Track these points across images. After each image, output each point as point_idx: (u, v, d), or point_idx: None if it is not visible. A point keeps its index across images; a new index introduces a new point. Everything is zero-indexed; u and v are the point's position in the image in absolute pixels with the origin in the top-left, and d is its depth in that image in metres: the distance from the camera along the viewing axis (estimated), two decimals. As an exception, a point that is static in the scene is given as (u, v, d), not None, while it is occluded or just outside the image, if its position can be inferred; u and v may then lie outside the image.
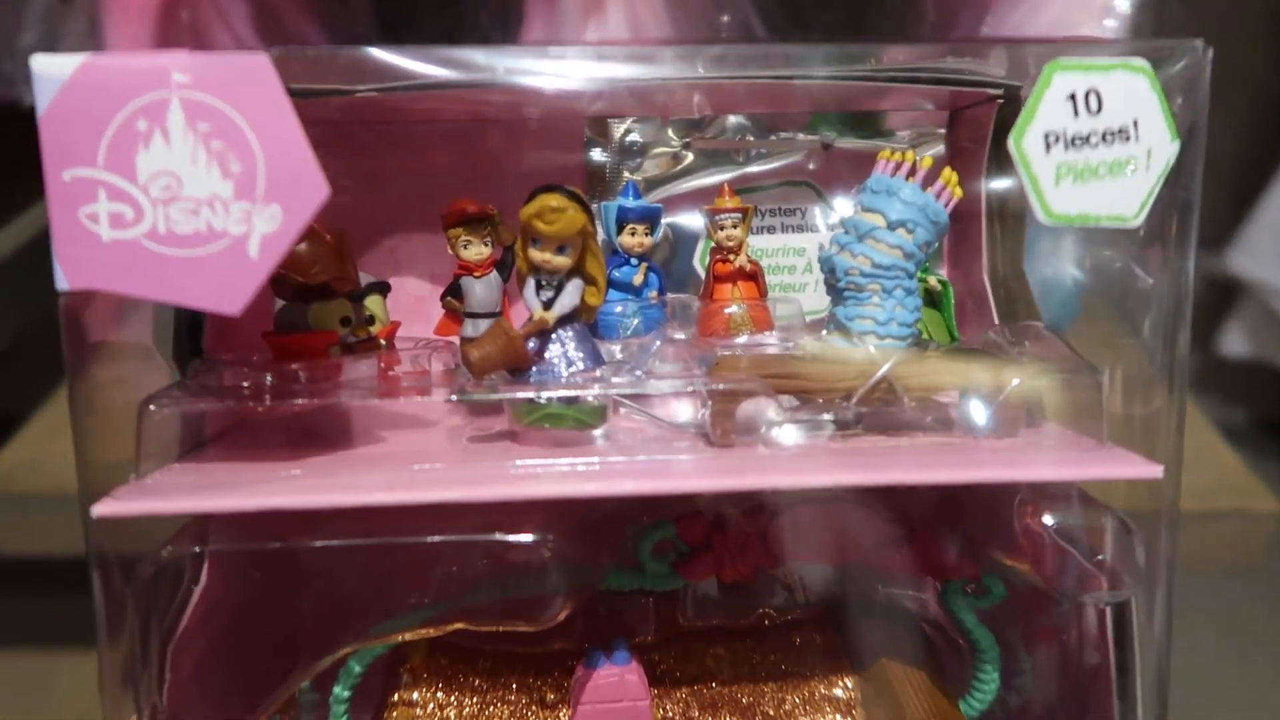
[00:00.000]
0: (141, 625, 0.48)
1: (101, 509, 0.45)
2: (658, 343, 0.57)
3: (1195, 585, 0.73)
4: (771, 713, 0.62)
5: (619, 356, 0.59)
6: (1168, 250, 0.50)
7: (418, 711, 0.59)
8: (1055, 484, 0.53)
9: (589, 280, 0.54)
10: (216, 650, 0.55)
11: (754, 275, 0.66)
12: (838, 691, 0.63)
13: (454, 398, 0.58)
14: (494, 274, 0.63)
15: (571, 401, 0.53)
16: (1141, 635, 0.55)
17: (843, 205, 0.76)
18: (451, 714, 0.60)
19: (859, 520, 0.62)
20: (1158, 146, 0.46)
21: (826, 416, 0.54)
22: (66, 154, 0.43)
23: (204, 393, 0.52)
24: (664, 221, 0.74)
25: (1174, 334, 0.51)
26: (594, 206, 0.67)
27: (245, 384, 0.51)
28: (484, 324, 0.58)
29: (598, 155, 0.74)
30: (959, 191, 0.54)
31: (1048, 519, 0.51)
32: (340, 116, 0.69)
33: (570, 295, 0.54)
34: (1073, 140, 0.45)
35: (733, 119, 0.76)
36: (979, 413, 0.53)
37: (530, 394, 0.53)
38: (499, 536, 0.49)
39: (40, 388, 1.22)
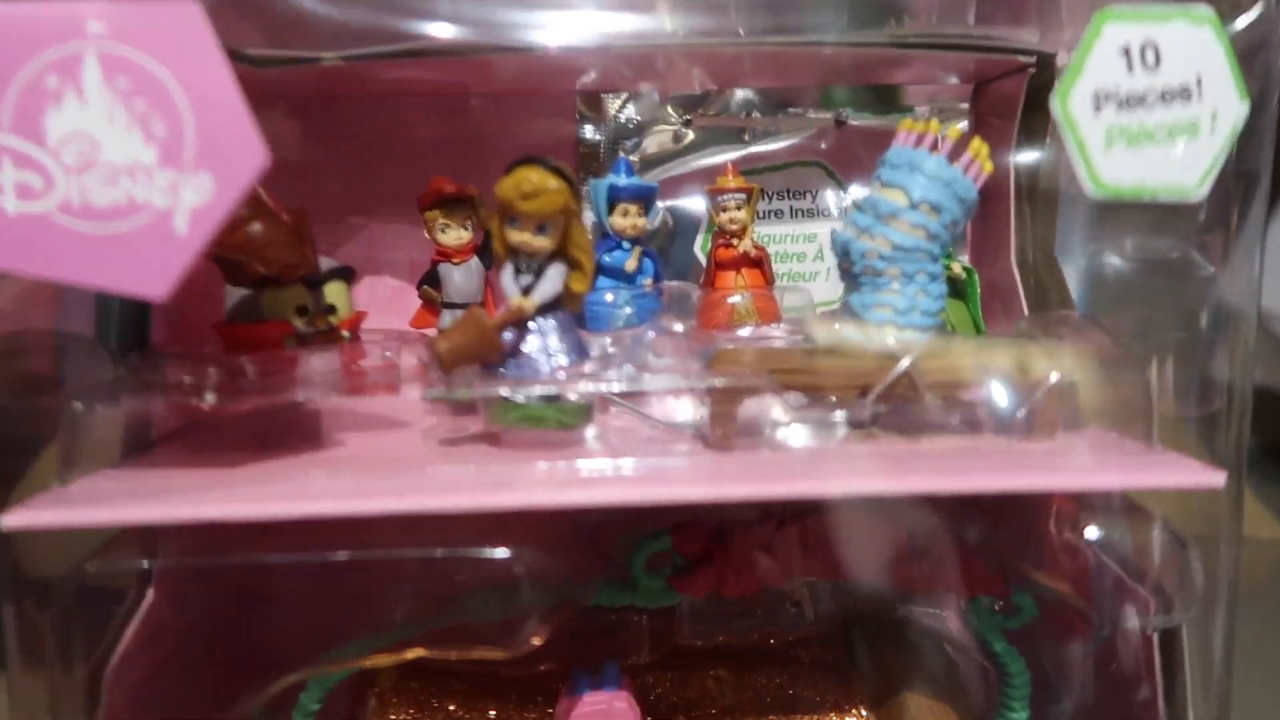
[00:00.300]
0: (61, 649, 0.42)
1: (12, 520, 0.40)
2: (651, 334, 0.52)
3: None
4: (778, 743, 0.57)
5: (609, 350, 0.53)
6: (1230, 230, 0.44)
7: (387, 740, 0.54)
8: (1097, 492, 0.47)
9: (573, 265, 0.49)
10: (158, 676, 0.50)
11: (759, 262, 0.60)
12: (851, 720, 0.58)
13: (428, 395, 0.53)
14: (474, 260, 0.59)
15: (553, 400, 0.47)
16: (1194, 665, 0.49)
17: (857, 188, 0.70)
18: (424, 743, 0.54)
19: (874, 531, 0.56)
20: (1224, 107, 0.40)
21: (839, 416, 0.48)
22: (-35, 115, 0.37)
23: (141, 389, 0.46)
24: (664, 205, 0.68)
25: (1237, 325, 0.45)
26: (585, 187, 0.62)
27: (186, 379, 0.46)
28: (464, 315, 0.53)
29: (591, 133, 0.68)
30: (989, 166, 0.48)
31: (1089, 532, 0.45)
32: (310, 90, 0.64)
33: (552, 281, 0.48)
34: (1126, 100, 0.39)
35: (739, 94, 0.70)
36: (1011, 411, 0.48)
37: (508, 392, 0.47)
38: (466, 552, 0.44)
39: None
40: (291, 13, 0.50)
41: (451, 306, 0.59)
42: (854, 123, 0.69)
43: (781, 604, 0.60)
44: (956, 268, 0.61)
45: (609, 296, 0.57)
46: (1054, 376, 0.46)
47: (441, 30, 0.53)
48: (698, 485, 0.44)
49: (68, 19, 0.37)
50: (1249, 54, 0.40)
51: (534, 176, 0.46)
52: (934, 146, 0.48)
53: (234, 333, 0.51)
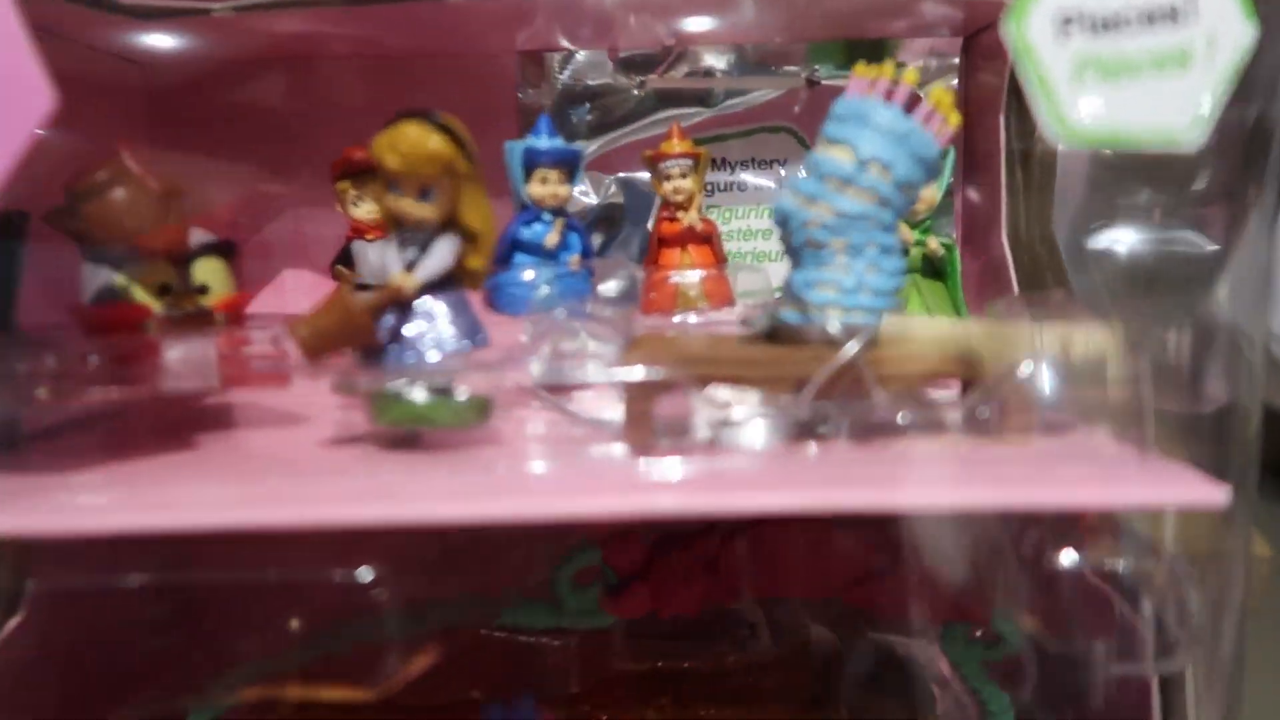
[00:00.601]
0: None
1: None
2: (565, 317, 0.45)
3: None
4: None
5: (522, 337, 0.47)
6: (1235, 196, 0.36)
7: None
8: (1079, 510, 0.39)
9: (467, 236, 0.42)
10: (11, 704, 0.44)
11: (708, 237, 0.53)
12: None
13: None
14: (390, 237, 0.52)
15: (444, 393, 0.41)
16: (1199, 707, 0.41)
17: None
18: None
19: (830, 546, 0.49)
20: (1224, 32, 0.31)
21: (775, 417, 0.41)
22: None
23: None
24: (616, 177, 0.61)
25: (1250, 309, 0.37)
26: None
27: (19, 367, 0.40)
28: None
29: (533, 97, 0.61)
30: (955, 117, 0.40)
31: (1067, 558, 0.38)
32: (214, 50, 0.58)
33: (438, 256, 0.42)
34: (1100, 22, 0.31)
35: (703, 55, 0.63)
36: (980, 410, 0.40)
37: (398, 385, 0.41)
38: (320, 573, 0.37)
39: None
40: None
41: (366, 289, 0.53)
42: (829, 83, 0.61)
43: (732, 625, 0.53)
44: (934, 243, 0.53)
45: (527, 275, 0.50)
46: (1026, 368, 0.39)
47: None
48: (614, 496, 0.37)
49: None
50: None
51: (411, 132, 0.40)
52: (888, 95, 0.40)
53: (93, 315, 0.45)
